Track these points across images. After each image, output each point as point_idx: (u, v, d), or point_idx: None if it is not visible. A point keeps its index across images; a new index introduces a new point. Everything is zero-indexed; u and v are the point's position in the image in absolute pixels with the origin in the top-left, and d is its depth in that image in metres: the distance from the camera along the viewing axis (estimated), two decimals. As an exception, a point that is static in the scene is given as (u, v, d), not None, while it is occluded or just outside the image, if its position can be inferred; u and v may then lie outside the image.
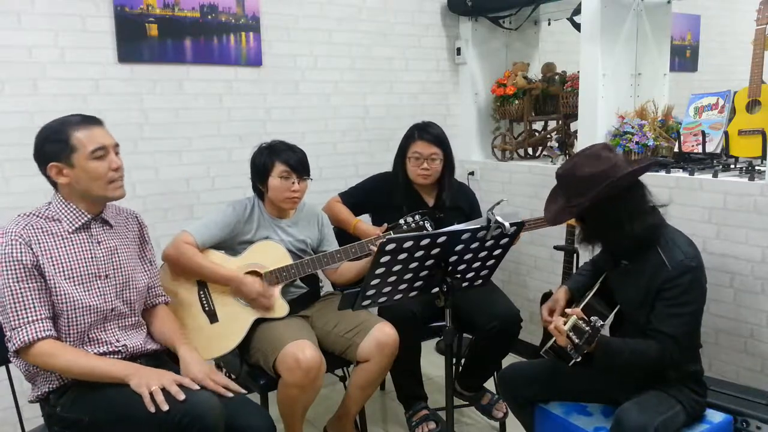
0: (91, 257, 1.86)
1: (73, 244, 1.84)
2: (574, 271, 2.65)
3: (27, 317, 1.73)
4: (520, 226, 1.96)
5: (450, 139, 2.82)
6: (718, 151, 2.68)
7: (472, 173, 3.68)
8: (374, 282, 1.84)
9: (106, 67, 2.75)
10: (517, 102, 3.49)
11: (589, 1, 2.92)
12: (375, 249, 2.28)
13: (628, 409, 1.87)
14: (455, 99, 3.78)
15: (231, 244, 2.41)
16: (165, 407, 1.66)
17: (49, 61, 2.63)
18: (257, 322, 2.35)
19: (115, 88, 2.78)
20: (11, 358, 1.84)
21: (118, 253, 1.92)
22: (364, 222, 2.76)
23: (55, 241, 1.81)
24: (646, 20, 3.04)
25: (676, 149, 2.87)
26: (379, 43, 3.46)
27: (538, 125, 3.67)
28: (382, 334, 2.31)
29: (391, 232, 2.47)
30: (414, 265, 1.85)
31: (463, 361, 2.87)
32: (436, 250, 1.85)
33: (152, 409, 1.66)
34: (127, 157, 2.06)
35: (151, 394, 1.68)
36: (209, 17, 2.94)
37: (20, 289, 1.73)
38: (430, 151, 2.71)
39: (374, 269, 1.80)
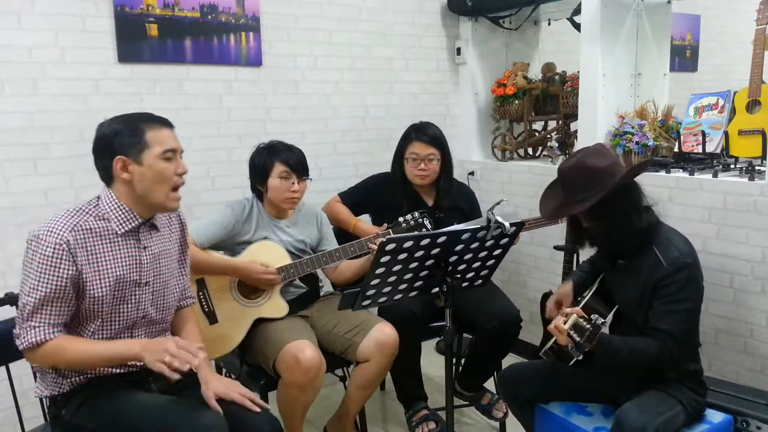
0: (136, 263, 1.81)
1: (120, 249, 1.78)
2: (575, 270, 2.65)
3: (42, 321, 1.69)
4: (520, 226, 1.96)
5: (450, 139, 2.82)
6: (718, 151, 2.68)
7: (472, 173, 3.68)
8: (374, 282, 1.84)
9: (106, 67, 2.75)
10: (517, 102, 3.49)
11: (589, 1, 2.93)
12: (374, 247, 2.29)
13: (628, 409, 1.87)
14: (455, 99, 3.78)
15: (230, 245, 2.41)
16: (177, 375, 1.62)
17: (49, 61, 2.63)
18: (257, 322, 2.35)
19: (115, 88, 2.78)
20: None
21: (161, 258, 1.88)
22: (363, 222, 2.76)
23: (102, 245, 1.75)
24: (646, 20, 3.04)
25: (676, 149, 2.87)
26: (379, 43, 3.46)
27: (538, 125, 3.67)
28: (382, 334, 2.31)
29: (391, 231, 2.47)
30: (414, 265, 1.85)
31: (463, 361, 2.87)
32: (436, 250, 1.85)
33: (176, 377, 1.62)
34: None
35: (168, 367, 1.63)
36: (209, 17, 2.94)
37: (46, 295, 1.67)
38: (427, 152, 2.71)
39: (374, 269, 1.80)
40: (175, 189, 1.81)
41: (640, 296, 1.94)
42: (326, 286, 2.69)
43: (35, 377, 1.87)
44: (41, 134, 2.64)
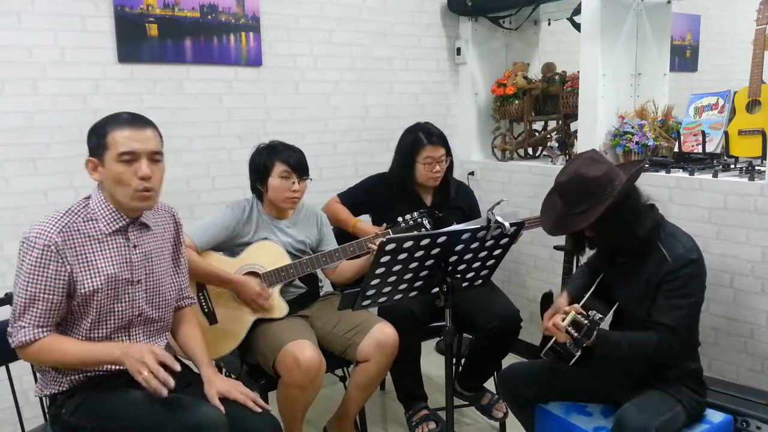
0: (127, 262, 1.81)
1: (109, 248, 1.78)
2: (575, 270, 2.64)
3: (30, 321, 1.71)
4: (520, 226, 1.96)
5: (450, 139, 2.82)
6: (718, 151, 2.68)
7: (472, 173, 3.68)
8: (374, 282, 1.84)
9: (106, 67, 2.75)
10: (517, 102, 3.49)
11: (589, 1, 2.93)
12: (374, 247, 2.29)
13: (628, 410, 1.87)
14: (455, 99, 3.78)
15: (230, 246, 2.41)
16: (164, 392, 1.61)
17: (49, 61, 2.63)
18: (257, 323, 2.35)
19: (115, 88, 2.78)
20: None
21: (153, 257, 1.88)
22: (363, 222, 2.75)
23: (91, 245, 1.75)
24: (646, 20, 3.04)
25: (676, 149, 2.87)
26: (379, 43, 3.46)
27: (538, 125, 3.67)
28: (381, 334, 2.31)
29: (390, 231, 2.47)
30: (414, 265, 1.85)
31: (463, 361, 2.87)
32: (436, 250, 1.85)
33: (164, 392, 1.61)
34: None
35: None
36: (209, 17, 2.94)
37: (35, 295, 1.69)
38: (439, 153, 2.71)
39: (374, 269, 1.80)
40: (137, 192, 1.73)
41: (644, 293, 1.94)
42: (326, 286, 2.69)
43: (35, 378, 1.88)
44: (41, 134, 2.64)
